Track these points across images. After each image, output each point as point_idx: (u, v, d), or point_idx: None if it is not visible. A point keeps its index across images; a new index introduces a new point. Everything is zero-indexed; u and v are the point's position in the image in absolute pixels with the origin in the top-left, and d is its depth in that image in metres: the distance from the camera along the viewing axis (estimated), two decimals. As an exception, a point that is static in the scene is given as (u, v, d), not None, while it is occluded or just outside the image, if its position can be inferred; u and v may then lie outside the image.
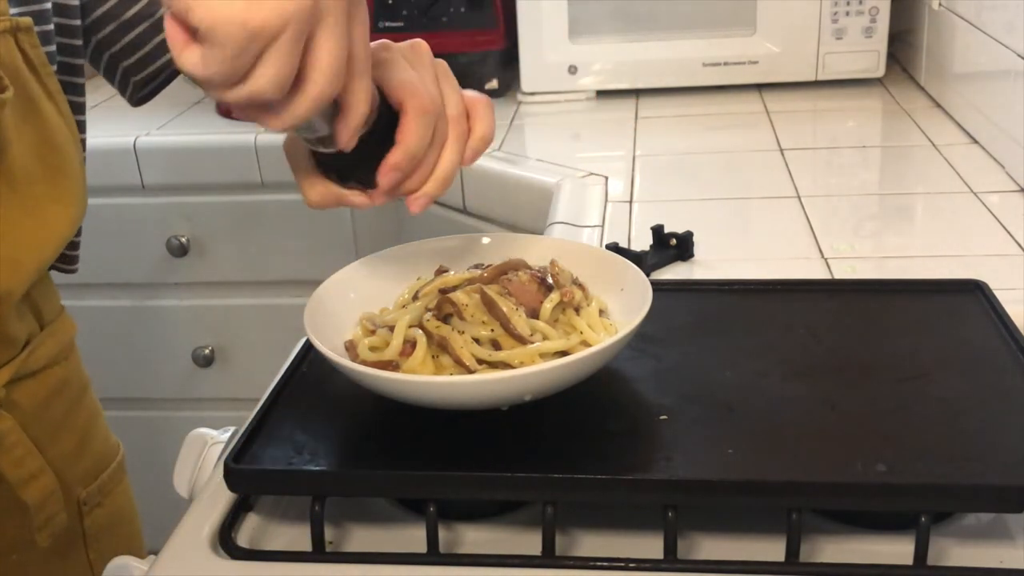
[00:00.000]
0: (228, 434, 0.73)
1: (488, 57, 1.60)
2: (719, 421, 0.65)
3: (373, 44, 0.63)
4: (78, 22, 0.82)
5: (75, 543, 0.88)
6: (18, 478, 0.81)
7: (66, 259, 0.86)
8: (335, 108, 0.60)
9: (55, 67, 0.78)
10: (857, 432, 0.64)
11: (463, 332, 0.66)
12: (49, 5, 0.78)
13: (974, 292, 0.79)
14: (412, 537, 0.63)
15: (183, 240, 1.62)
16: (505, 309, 0.66)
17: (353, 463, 0.64)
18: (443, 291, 0.69)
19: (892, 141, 1.37)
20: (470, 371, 0.64)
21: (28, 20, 0.75)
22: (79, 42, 0.82)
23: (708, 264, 0.99)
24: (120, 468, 0.94)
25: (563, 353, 0.65)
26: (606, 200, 1.17)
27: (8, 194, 0.74)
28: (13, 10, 0.74)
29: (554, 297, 0.68)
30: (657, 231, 1.00)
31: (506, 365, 0.64)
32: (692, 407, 0.67)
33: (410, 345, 0.66)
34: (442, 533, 0.61)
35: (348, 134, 0.61)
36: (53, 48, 0.79)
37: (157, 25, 0.85)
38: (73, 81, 0.82)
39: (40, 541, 0.84)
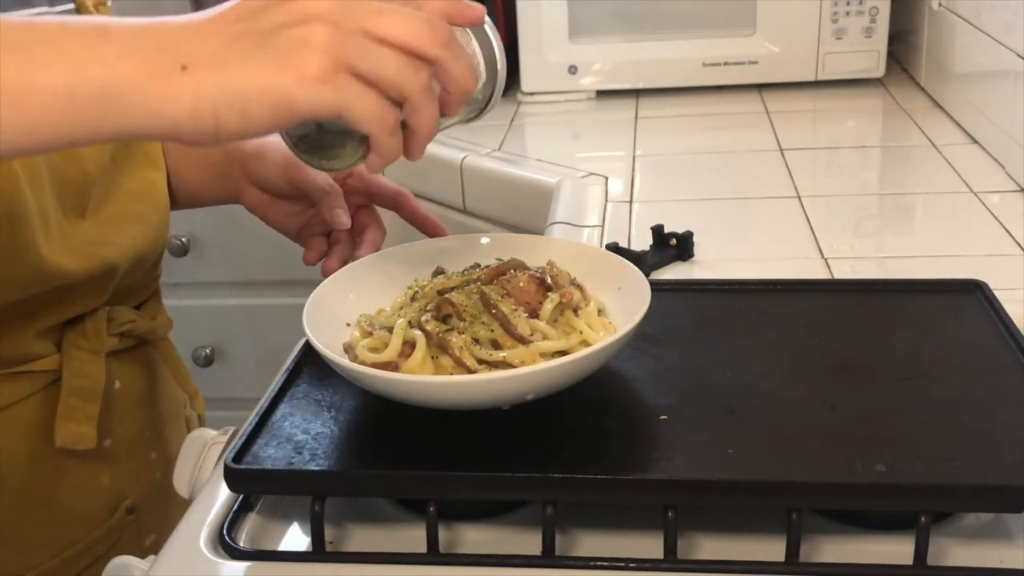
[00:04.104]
0: (228, 434, 0.73)
1: (488, 57, 1.59)
2: (719, 421, 0.65)
3: None
4: None
5: None
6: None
7: None
8: None
9: None
10: (857, 432, 0.64)
11: (463, 333, 0.66)
12: None
13: (974, 292, 0.79)
14: (412, 537, 0.63)
15: (183, 240, 1.62)
16: (505, 310, 0.66)
17: (353, 463, 0.64)
18: (441, 292, 0.69)
19: (892, 141, 1.37)
20: (470, 371, 0.64)
21: None
22: None
23: (708, 264, 0.99)
24: None
25: (563, 353, 0.65)
26: (606, 200, 1.17)
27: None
28: None
29: (554, 297, 0.68)
30: (657, 231, 1.00)
31: (507, 365, 0.64)
32: (692, 407, 0.67)
33: (409, 346, 0.66)
34: (442, 533, 0.61)
35: None
36: None
37: None
38: None
39: None
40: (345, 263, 0.79)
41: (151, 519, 0.92)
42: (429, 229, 0.86)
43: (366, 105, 0.55)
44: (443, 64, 0.58)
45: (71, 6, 0.84)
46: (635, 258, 0.91)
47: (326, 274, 0.79)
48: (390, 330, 0.67)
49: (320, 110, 0.55)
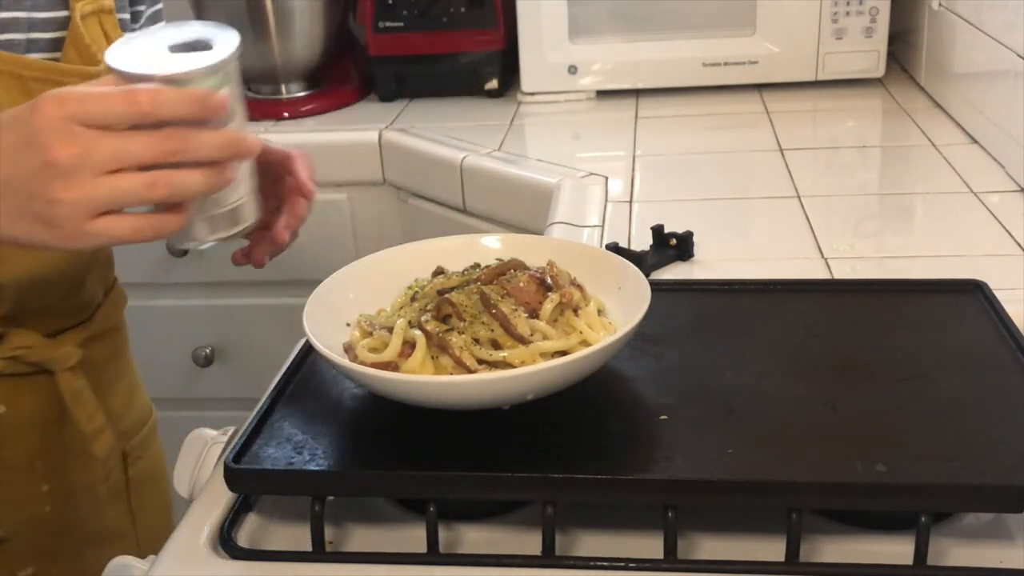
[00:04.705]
0: (228, 434, 0.73)
1: (488, 57, 1.60)
2: (719, 421, 0.65)
3: None
4: (143, 8, 0.92)
5: (121, 493, 0.96)
6: (90, 431, 0.90)
7: None
8: None
9: None
10: (857, 432, 0.64)
11: (463, 333, 0.66)
12: None
13: (974, 292, 0.79)
14: (412, 537, 0.63)
15: (183, 240, 1.62)
16: (505, 310, 0.66)
17: (353, 463, 0.64)
18: (441, 292, 0.69)
19: (892, 141, 1.37)
20: (470, 371, 0.64)
21: (111, 2, 0.83)
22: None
23: (708, 264, 0.99)
24: (155, 427, 1.04)
25: (563, 353, 0.65)
26: (606, 200, 1.17)
27: None
28: None
29: (554, 297, 0.68)
30: (657, 231, 1.00)
31: (507, 365, 0.64)
32: (692, 407, 0.67)
33: (409, 346, 0.66)
34: (442, 533, 0.61)
35: None
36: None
37: None
38: None
39: (101, 493, 0.93)
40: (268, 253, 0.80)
41: (28, 552, 0.88)
42: (293, 192, 0.81)
43: (120, 233, 0.64)
44: (181, 155, 0.63)
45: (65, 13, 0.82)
46: (635, 258, 0.91)
47: (235, 261, 0.81)
48: (390, 330, 0.67)
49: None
